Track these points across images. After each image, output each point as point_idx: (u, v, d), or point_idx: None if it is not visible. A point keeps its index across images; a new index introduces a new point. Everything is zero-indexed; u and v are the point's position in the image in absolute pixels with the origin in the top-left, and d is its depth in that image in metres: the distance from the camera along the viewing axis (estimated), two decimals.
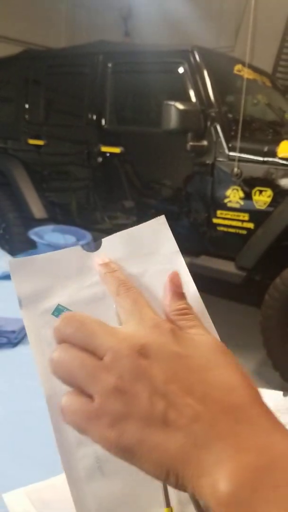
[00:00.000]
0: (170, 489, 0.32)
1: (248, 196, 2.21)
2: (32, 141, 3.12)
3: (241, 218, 2.26)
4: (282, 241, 2.20)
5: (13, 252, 2.51)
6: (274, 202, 2.15)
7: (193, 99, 2.37)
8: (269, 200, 2.16)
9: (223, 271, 2.34)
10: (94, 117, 2.78)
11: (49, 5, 5.28)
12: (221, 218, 2.32)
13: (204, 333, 0.29)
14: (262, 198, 2.18)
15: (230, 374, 0.27)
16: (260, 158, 2.19)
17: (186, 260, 0.33)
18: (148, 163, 2.68)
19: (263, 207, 2.18)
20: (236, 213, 2.26)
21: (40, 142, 3.09)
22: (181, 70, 2.44)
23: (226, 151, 2.27)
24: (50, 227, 2.88)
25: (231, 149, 2.26)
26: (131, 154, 2.67)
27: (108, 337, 0.27)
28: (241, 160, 2.21)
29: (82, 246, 0.34)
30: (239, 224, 2.27)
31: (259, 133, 2.55)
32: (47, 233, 2.76)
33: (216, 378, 0.26)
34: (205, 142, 2.31)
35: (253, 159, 2.20)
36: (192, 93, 2.38)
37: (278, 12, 4.32)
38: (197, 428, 0.24)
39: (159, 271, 0.33)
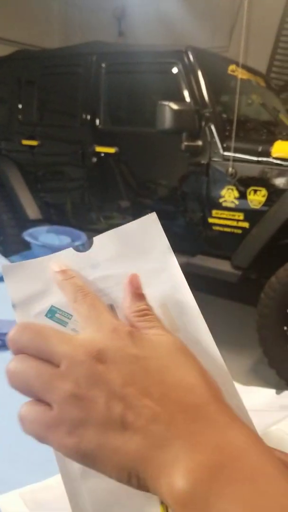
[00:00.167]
0: None
1: (243, 196, 2.21)
2: (26, 142, 3.11)
3: (236, 217, 2.26)
4: (277, 240, 2.21)
5: (7, 253, 2.49)
6: (268, 202, 2.16)
7: (188, 99, 2.37)
8: (263, 199, 2.17)
9: (219, 270, 2.34)
10: (89, 117, 2.77)
11: (43, 5, 5.27)
12: (217, 218, 2.32)
13: (163, 333, 0.29)
14: (257, 198, 2.18)
15: (189, 373, 0.26)
16: (255, 158, 2.19)
17: (182, 260, 0.33)
18: (143, 163, 2.68)
19: (258, 207, 2.19)
20: (231, 213, 2.27)
21: (34, 143, 3.08)
22: (175, 70, 2.44)
23: (221, 151, 2.28)
24: (44, 228, 2.86)
25: (226, 149, 2.26)
26: (125, 154, 2.67)
27: (64, 345, 0.27)
28: (235, 160, 2.22)
29: (76, 247, 0.34)
30: (234, 223, 2.28)
31: (254, 133, 2.55)
32: (41, 234, 2.74)
33: (174, 378, 0.26)
34: (199, 142, 2.32)
35: (248, 159, 2.21)
36: (186, 93, 2.38)
37: (272, 12, 4.33)
38: (155, 428, 0.24)
39: (151, 270, 0.33)
